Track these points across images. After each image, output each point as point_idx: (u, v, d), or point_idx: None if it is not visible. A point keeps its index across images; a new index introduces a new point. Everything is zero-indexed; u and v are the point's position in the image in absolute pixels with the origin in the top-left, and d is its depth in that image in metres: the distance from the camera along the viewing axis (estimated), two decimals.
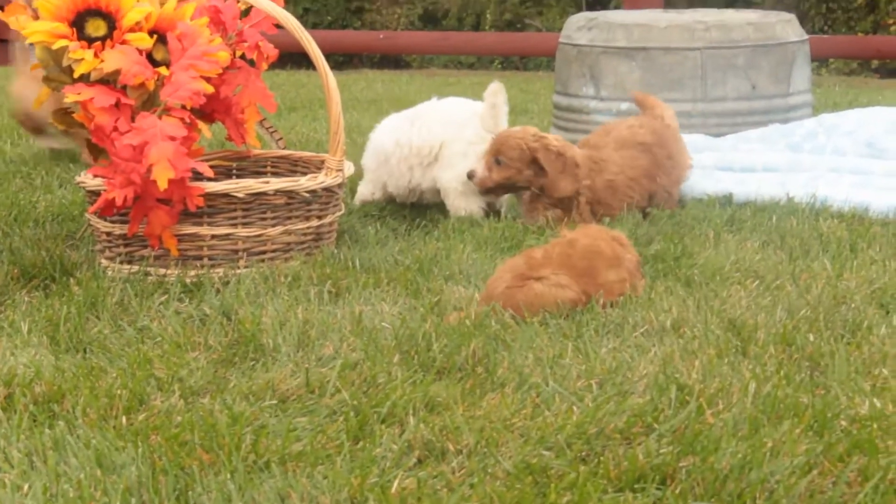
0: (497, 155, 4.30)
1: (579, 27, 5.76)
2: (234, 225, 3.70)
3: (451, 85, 9.24)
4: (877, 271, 3.59)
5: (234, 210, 3.70)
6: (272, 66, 4.24)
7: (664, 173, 4.48)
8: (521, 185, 4.32)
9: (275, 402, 2.68)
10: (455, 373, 2.86)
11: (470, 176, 4.34)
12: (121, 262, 3.73)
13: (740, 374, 2.78)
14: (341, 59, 15.07)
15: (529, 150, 4.25)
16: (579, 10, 16.74)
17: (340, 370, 2.82)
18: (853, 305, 3.27)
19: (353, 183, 4.69)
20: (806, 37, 5.78)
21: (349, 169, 3.98)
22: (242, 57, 4.01)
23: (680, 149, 4.63)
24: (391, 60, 15.98)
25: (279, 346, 3.00)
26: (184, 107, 3.65)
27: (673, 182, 4.52)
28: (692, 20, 5.61)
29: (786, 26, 5.68)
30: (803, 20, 6.59)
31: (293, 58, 10.51)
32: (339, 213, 3.98)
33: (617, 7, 15.08)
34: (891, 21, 16.78)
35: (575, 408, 2.63)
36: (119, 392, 2.71)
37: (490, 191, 4.36)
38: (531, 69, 14.76)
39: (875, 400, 2.60)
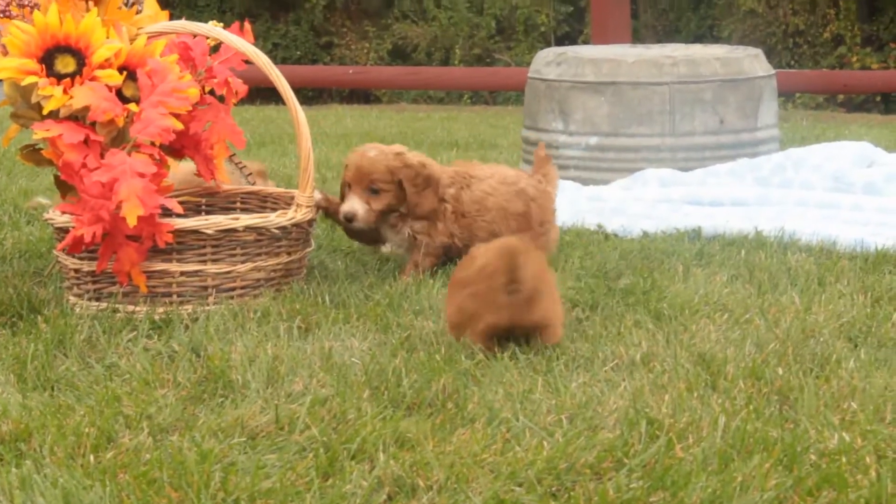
0: (370, 184, 4.10)
1: (548, 62, 5.79)
2: (204, 261, 3.69)
3: (420, 120, 9.26)
4: (845, 305, 3.60)
5: (204, 246, 3.69)
6: (242, 102, 4.24)
7: (534, 234, 4.20)
8: (396, 207, 4.12)
9: (244, 438, 2.67)
10: (425, 408, 2.86)
11: (350, 219, 4.10)
12: (89, 299, 3.71)
13: (710, 409, 2.79)
14: (311, 94, 15.09)
15: (395, 170, 4.08)
16: (548, 45, 16.84)
17: (310, 406, 2.81)
18: (822, 339, 3.28)
19: (323, 218, 4.69)
20: (773, 72, 5.82)
21: None
22: (212, 93, 4.02)
23: (554, 222, 4.38)
24: (361, 95, 16.01)
25: (248, 383, 2.99)
26: (153, 143, 3.64)
27: (538, 247, 4.26)
28: (660, 55, 5.65)
29: (753, 61, 5.72)
30: (770, 55, 6.63)
31: (263, 93, 10.51)
32: (308, 249, 3.98)
33: (585, 42, 15.16)
34: (855, 57, 16.92)
35: (545, 443, 2.63)
36: (87, 430, 2.69)
37: (374, 224, 4.14)
38: (500, 103, 14.82)
39: (844, 434, 2.61)
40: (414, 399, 2.89)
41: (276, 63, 3.96)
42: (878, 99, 15.65)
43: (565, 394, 2.90)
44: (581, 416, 2.77)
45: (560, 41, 18.11)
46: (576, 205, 4.97)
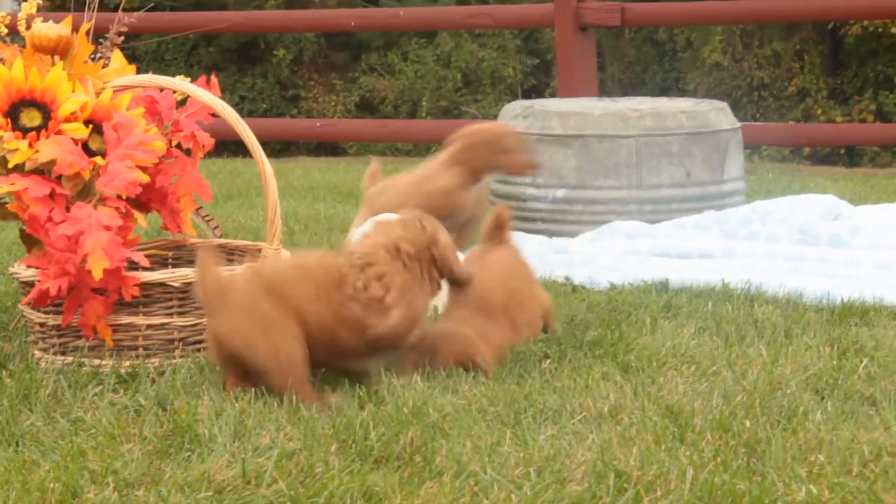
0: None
1: (515, 115, 5.82)
2: (170, 314, 3.68)
3: (388, 172, 9.25)
4: (811, 357, 3.61)
5: (170, 299, 3.67)
6: (209, 155, 4.24)
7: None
8: None
9: (210, 493, 2.65)
10: (393, 461, 2.85)
11: None
12: (54, 353, 3.69)
13: (678, 461, 2.78)
14: (278, 147, 15.10)
15: None
16: (515, 97, 16.91)
17: (277, 460, 2.79)
18: (789, 391, 3.29)
19: None
20: (738, 125, 5.86)
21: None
22: (178, 146, 4.01)
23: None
24: (328, 147, 16.03)
25: (215, 437, 2.97)
26: (119, 196, 3.63)
27: None
28: (626, 108, 5.68)
29: (719, 114, 5.76)
30: (736, 108, 6.68)
31: (230, 146, 10.53)
32: None
33: (552, 95, 15.24)
34: (820, 110, 17.06)
35: (513, 496, 2.62)
36: (52, 486, 2.66)
37: None
38: None
39: (811, 486, 2.61)
40: (381, 452, 2.88)
41: (242, 116, 3.97)
42: (843, 152, 15.77)
43: (533, 446, 2.90)
44: (549, 468, 2.77)
45: (527, 94, 18.21)
46: (543, 257, 4.98)
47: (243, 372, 3.35)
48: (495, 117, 6.04)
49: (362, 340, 3.42)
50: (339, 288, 3.39)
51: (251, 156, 3.91)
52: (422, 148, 16.79)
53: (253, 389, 3.33)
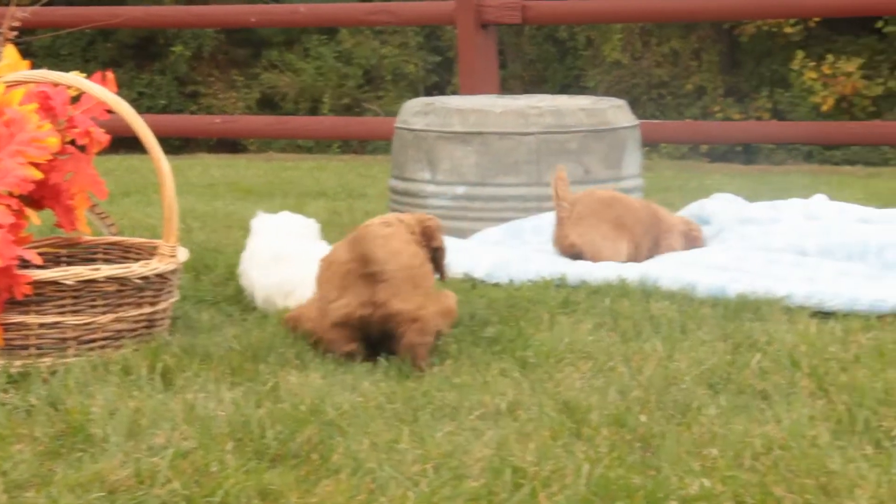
0: None
1: (415, 112, 5.81)
2: (63, 313, 3.63)
3: (288, 169, 9.23)
4: (706, 352, 3.65)
5: (63, 298, 3.62)
6: (105, 151, 4.19)
7: None
8: None
9: (103, 493, 2.62)
10: (290, 460, 2.83)
11: None
12: None
13: (574, 456, 2.80)
14: (178, 144, 14.99)
15: None
16: (417, 94, 16.93)
17: (172, 459, 2.77)
18: (683, 386, 3.32)
19: (187, 268, 4.64)
20: (637, 122, 5.90)
21: (183, 255, 3.94)
22: (73, 143, 3.96)
23: None
24: (228, 144, 15.94)
25: (108, 437, 2.94)
26: (11, 193, 3.58)
27: None
28: (526, 106, 5.70)
29: (617, 112, 5.80)
30: (635, 106, 6.73)
31: (127, 142, 10.39)
32: (172, 300, 3.93)
33: (455, 92, 15.27)
34: (717, 108, 17.28)
35: (410, 493, 2.62)
36: None
37: None
38: (370, 153, 14.84)
39: (705, 480, 2.64)
40: (278, 450, 2.87)
41: (140, 112, 3.92)
42: (740, 149, 15.98)
43: (431, 443, 2.90)
44: (446, 465, 2.77)
45: (429, 91, 18.24)
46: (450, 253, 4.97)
47: (356, 339, 3.61)
48: (396, 114, 6.03)
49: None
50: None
51: (148, 152, 3.87)
52: (323, 145, 16.77)
53: (148, 389, 3.30)
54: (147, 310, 3.78)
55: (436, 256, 3.91)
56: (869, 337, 3.81)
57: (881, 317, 4.09)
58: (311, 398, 3.19)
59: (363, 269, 3.59)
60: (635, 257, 4.96)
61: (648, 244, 5.04)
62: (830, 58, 16.68)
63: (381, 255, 3.57)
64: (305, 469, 2.76)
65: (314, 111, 18.06)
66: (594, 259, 4.85)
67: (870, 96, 16.58)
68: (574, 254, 4.91)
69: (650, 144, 12.09)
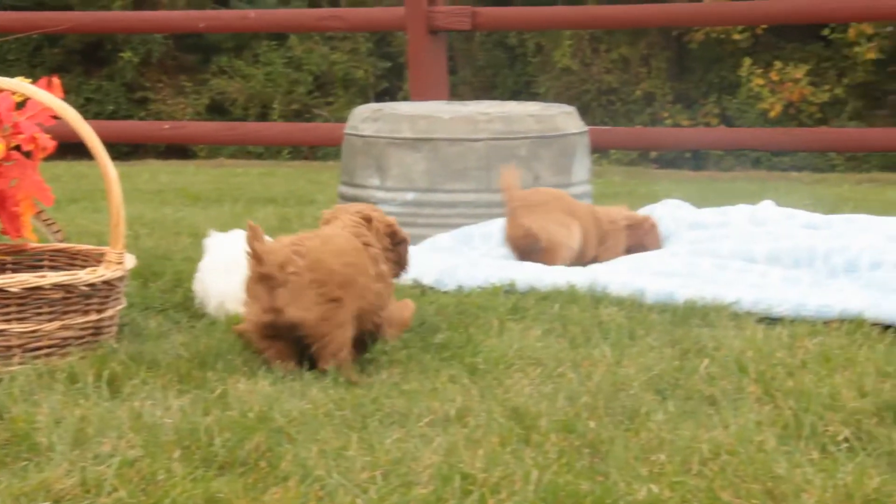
0: None
1: (365, 118, 5.81)
2: (8, 321, 3.59)
3: (238, 175, 9.21)
4: (654, 358, 3.66)
5: (8, 305, 3.59)
6: (52, 158, 4.16)
7: None
8: None
9: (48, 503, 2.60)
10: (237, 467, 2.82)
11: None
12: None
13: (523, 463, 2.80)
14: (126, 150, 14.90)
15: None
16: (367, 100, 16.93)
17: (118, 468, 2.75)
18: (632, 392, 3.33)
19: (135, 275, 4.61)
20: (585, 128, 5.92)
21: (130, 261, 3.92)
22: (18, 149, 3.93)
23: None
24: (178, 150, 15.87)
25: (54, 445, 2.91)
26: None
27: None
28: (475, 112, 5.71)
29: (566, 118, 5.81)
30: (585, 112, 6.76)
31: (74, 148, 10.33)
32: (119, 307, 3.91)
33: (405, 98, 15.27)
34: (666, 114, 17.36)
35: (359, 500, 2.61)
36: None
37: None
38: (320, 158, 14.82)
39: (652, 485, 2.65)
40: (226, 458, 2.85)
41: (88, 118, 3.90)
42: (689, 155, 16.06)
43: (380, 450, 2.89)
44: (395, 472, 2.76)
45: (380, 96, 18.24)
46: None
47: (288, 346, 3.54)
48: (346, 120, 6.02)
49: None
50: (369, 271, 3.69)
51: (95, 158, 3.85)
52: (273, 151, 16.72)
53: (94, 397, 3.28)
54: (94, 317, 3.76)
55: (400, 250, 3.89)
56: (815, 342, 3.84)
57: (827, 322, 4.11)
58: (260, 405, 3.18)
59: (257, 269, 3.53)
60: (585, 249, 5.00)
61: (594, 242, 5.09)
62: (778, 64, 16.81)
63: (270, 257, 3.51)
64: (253, 476, 2.75)
65: (264, 117, 18.01)
66: (549, 244, 4.88)
67: (816, 103, 16.71)
68: (528, 243, 4.93)
69: (600, 150, 12.13)
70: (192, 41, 18.66)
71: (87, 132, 3.78)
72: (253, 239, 3.50)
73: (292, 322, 3.50)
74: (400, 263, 3.93)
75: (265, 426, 3.03)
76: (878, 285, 4.49)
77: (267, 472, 2.77)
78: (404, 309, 3.98)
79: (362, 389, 3.38)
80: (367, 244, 3.76)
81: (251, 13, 9.57)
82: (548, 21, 9.83)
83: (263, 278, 3.52)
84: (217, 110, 18.27)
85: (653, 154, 15.56)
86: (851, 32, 16.45)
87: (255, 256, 3.50)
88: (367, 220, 3.82)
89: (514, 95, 18.07)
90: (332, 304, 3.52)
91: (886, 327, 4.03)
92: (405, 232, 3.94)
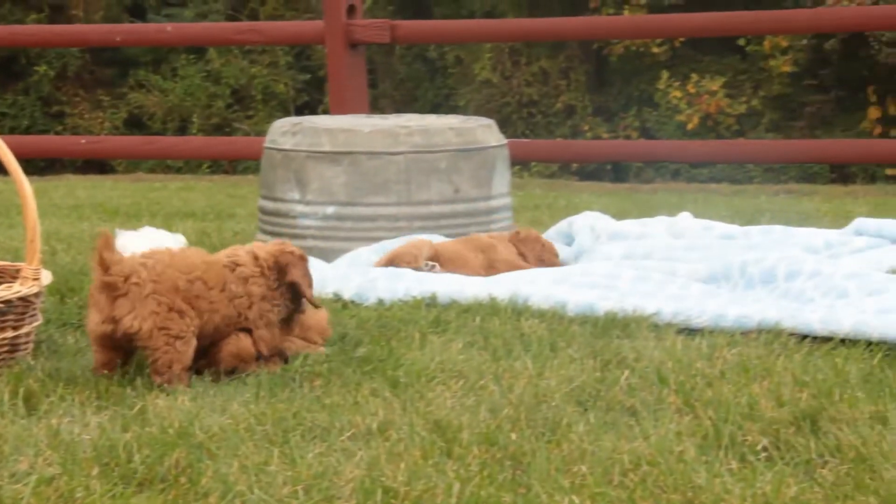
0: None
1: (284, 132, 5.78)
2: None
3: (156, 190, 9.14)
4: (575, 369, 3.68)
5: None
6: None
7: None
8: None
9: None
10: (157, 484, 2.79)
11: None
12: None
13: (445, 476, 2.80)
14: (42, 165, 14.75)
15: None
16: (287, 114, 16.87)
17: (35, 486, 2.71)
18: (553, 404, 3.34)
19: (52, 291, 4.56)
20: (505, 141, 5.94)
21: (46, 278, 3.87)
22: None
23: None
24: (96, 165, 15.73)
25: None
26: None
27: None
28: (395, 125, 5.71)
29: (486, 131, 5.83)
30: (506, 125, 6.78)
31: None
32: (36, 324, 3.86)
33: (325, 111, 15.24)
34: (587, 127, 17.47)
35: None
36: None
37: None
38: (241, 172, 14.75)
39: (574, 497, 2.66)
40: (146, 475, 2.82)
41: (2, 133, 3.86)
42: (609, 168, 16.18)
43: (301, 464, 2.88)
44: (317, 486, 2.75)
45: (300, 110, 18.19)
46: (320, 272, 4.95)
47: (118, 356, 3.56)
48: (266, 134, 5.99)
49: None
50: (223, 287, 3.68)
51: (10, 174, 3.80)
52: (193, 165, 16.61)
53: (10, 414, 3.23)
54: (9, 334, 3.71)
55: (292, 292, 3.85)
56: (734, 353, 3.87)
57: (745, 333, 4.15)
58: (180, 421, 3.15)
59: (101, 278, 3.52)
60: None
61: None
62: (695, 77, 16.96)
63: (116, 267, 3.51)
64: (174, 493, 2.73)
65: (183, 131, 17.90)
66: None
67: (733, 115, 16.88)
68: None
69: (521, 163, 12.18)
70: (109, 55, 18.51)
71: (1, 147, 3.74)
72: (103, 247, 3.50)
73: (127, 332, 3.51)
74: (293, 302, 3.87)
75: (185, 442, 3.00)
76: (794, 295, 4.54)
77: (187, 489, 2.75)
78: (320, 317, 4.00)
79: (283, 404, 3.36)
80: (236, 264, 3.75)
81: (168, 27, 9.52)
82: (467, 34, 9.87)
83: (106, 287, 3.51)
84: (135, 124, 18.13)
85: (573, 166, 15.65)
86: (767, 45, 16.65)
87: (102, 265, 3.50)
88: (255, 257, 3.81)
89: (435, 108, 18.09)
90: (170, 315, 3.53)
91: (803, 337, 4.07)
92: (299, 275, 3.88)
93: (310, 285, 3.88)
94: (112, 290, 3.51)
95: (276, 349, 3.79)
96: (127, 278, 3.50)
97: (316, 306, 3.94)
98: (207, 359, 3.70)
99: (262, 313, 3.77)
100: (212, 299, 3.65)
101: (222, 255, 3.79)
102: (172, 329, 3.52)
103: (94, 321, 3.55)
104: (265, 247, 3.87)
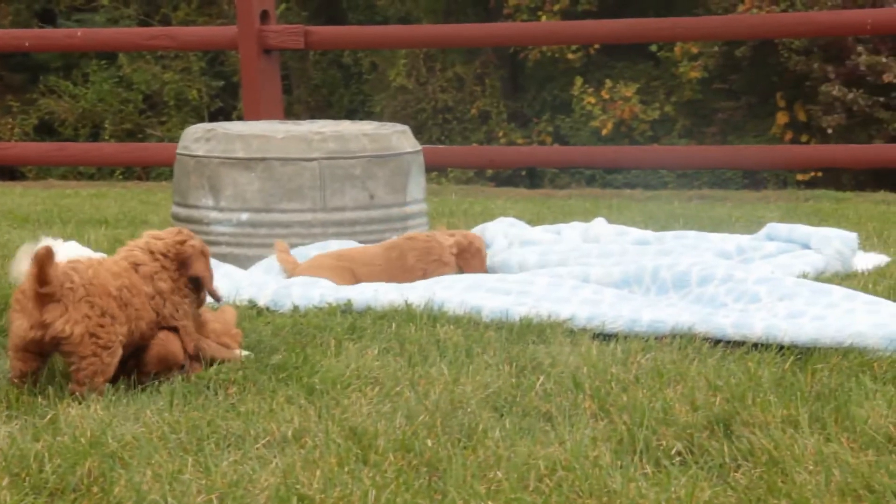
0: None
1: (197, 138, 5.74)
2: None
3: (68, 196, 9.03)
4: (491, 375, 3.68)
5: None
6: None
7: None
8: None
9: None
10: (69, 494, 2.76)
11: None
12: None
13: (361, 483, 2.79)
14: None
15: None
16: (201, 120, 16.77)
17: None
18: (469, 410, 3.34)
19: None
20: (420, 147, 5.94)
21: None
22: None
23: None
24: (5, 172, 15.51)
25: None
26: None
27: None
28: (309, 131, 5.69)
29: (401, 137, 5.82)
30: (421, 131, 6.79)
31: None
32: None
33: (239, 117, 15.17)
34: (502, 132, 17.53)
35: None
36: None
37: None
38: (154, 179, 14.63)
39: (490, 503, 2.66)
40: (57, 484, 2.79)
41: None
42: (524, 173, 16.24)
43: (216, 473, 2.86)
44: (232, 495, 2.73)
45: (214, 116, 18.08)
46: (234, 281, 4.92)
47: (38, 365, 3.54)
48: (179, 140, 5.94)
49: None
50: (140, 291, 3.70)
51: None
52: (105, 171, 16.44)
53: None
54: None
55: (194, 285, 3.85)
56: (648, 358, 3.90)
57: (660, 338, 4.18)
58: (92, 430, 3.12)
59: (37, 289, 3.48)
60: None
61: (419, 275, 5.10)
62: (609, 83, 17.09)
63: (56, 280, 3.48)
64: (86, 503, 2.70)
65: (96, 137, 17.73)
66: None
67: (647, 120, 17.03)
68: None
69: (437, 169, 12.20)
70: (19, 60, 18.29)
71: None
72: (46, 260, 3.44)
73: (58, 336, 3.47)
74: (197, 298, 3.88)
75: (98, 451, 2.97)
76: (707, 300, 4.58)
77: (100, 498, 2.73)
78: (228, 318, 3.99)
79: (198, 412, 3.33)
80: (136, 263, 3.74)
81: (78, 32, 9.41)
82: (381, 40, 9.86)
83: (41, 298, 3.46)
84: (46, 130, 17.93)
85: (489, 172, 15.70)
86: (678, 51, 16.81)
87: (43, 278, 3.44)
88: (150, 252, 3.79)
89: (350, 114, 18.07)
90: (102, 320, 3.51)
91: (717, 342, 4.11)
92: (202, 269, 3.86)
93: (212, 279, 3.89)
94: (46, 298, 3.46)
95: (198, 347, 3.78)
96: (60, 284, 3.46)
97: (217, 299, 3.92)
98: (135, 361, 3.67)
99: (177, 306, 3.76)
100: (136, 306, 3.64)
101: (119, 258, 3.75)
102: (102, 338, 3.50)
103: (22, 327, 3.49)
104: (160, 238, 3.82)
